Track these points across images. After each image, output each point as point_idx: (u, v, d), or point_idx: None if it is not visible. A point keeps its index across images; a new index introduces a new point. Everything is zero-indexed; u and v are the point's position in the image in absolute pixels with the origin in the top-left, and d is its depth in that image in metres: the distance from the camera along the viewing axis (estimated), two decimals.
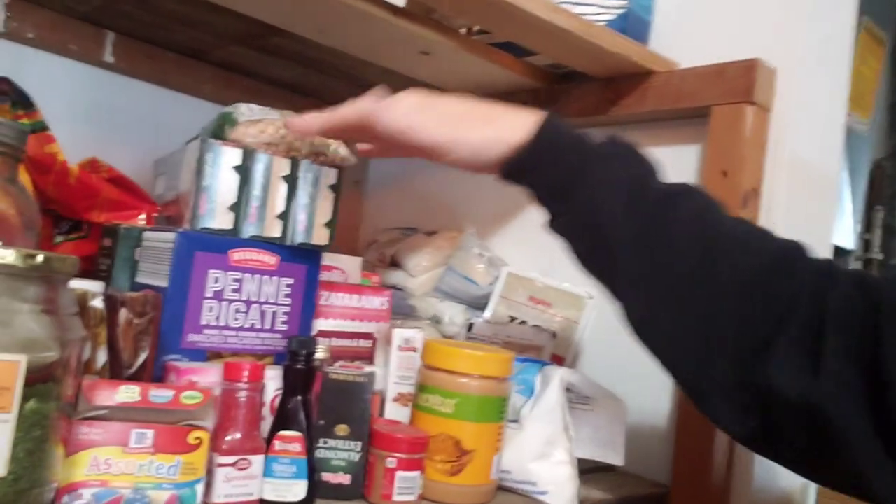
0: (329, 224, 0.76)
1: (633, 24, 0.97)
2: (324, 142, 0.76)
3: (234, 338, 0.71)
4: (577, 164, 0.62)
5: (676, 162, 0.98)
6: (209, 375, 0.64)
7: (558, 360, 1.01)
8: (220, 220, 0.70)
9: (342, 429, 0.68)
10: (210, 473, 0.58)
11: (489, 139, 0.64)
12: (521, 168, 0.64)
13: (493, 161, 0.64)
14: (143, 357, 0.65)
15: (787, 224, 0.90)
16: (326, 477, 0.67)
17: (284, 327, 0.74)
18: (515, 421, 0.79)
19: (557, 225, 0.64)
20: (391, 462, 0.67)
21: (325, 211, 0.76)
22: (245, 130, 0.72)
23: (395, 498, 0.67)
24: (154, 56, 1.17)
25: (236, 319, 0.71)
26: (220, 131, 0.74)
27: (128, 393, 0.55)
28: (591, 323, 1.02)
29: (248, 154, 0.72)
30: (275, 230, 0.73)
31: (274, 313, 0.73)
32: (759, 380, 0.53)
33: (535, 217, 0.63)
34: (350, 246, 1.41)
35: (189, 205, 0.71)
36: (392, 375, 0.79)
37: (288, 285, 0.74)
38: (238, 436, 0.60)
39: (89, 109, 1.14)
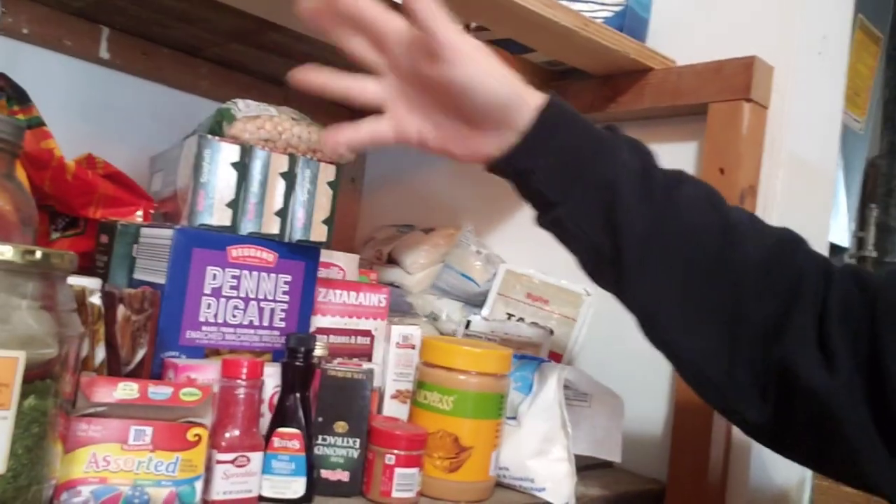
0: (327, 221, 0.76)
1: (631, 21, 0.97)
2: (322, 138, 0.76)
3: (232, 335, 0.70)
4: (585, 149, 0.59)
5: (674, 159, 0.97)
6: (207, 372, 0.63)
7: (556, 357, 1.01)
8: (218, 216, 0.70)
9: (341, 426, 0.68)
10: (209, 470, 0.58)
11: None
12: (524, 151, 0.59)
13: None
14: (141, 354, 0.65)
15: (784, 221, 0.89)
16: (325, 474, 0.67)
17: (283, 324, 0.73)
18: (514, 418, 0.79)
19: (555, 216, 0.60)
20: (390, 459, 0.67)
21: (323, 208, 0.75)
22: (243, 127, 0.72)
23: (394, 494, 0.67)
24: (149, 52, 1.16)
25: (234, 316, 0.70)
26: (217, 128, 0.73)
27: (126, 390, 0.54)
28: (589, 320, 1.02)
29: (247, 150, 0.71)
30: (273, 227, 0.73)
31: (272, 310, 0.73)
32: (776, 359, 0.54)
33: (532, 214, 0.63)
34: (347, 243, 1.41)
35: (187, 201, 0.71)
36: (390, 372, 0.80)
37: (286, 282, 0.74)
38: (237, 433, 0.60)
39: (84, 105, 1.14)
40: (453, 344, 0.75)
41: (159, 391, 0.55)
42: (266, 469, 0.62)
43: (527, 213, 0.64)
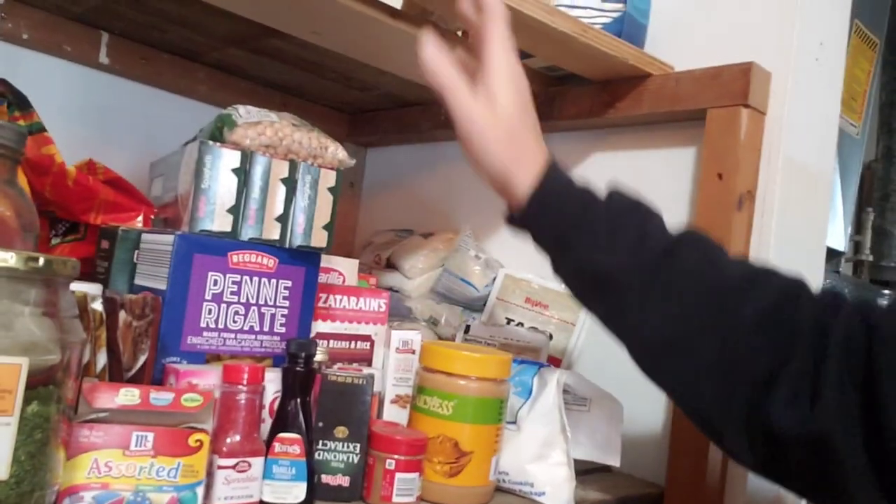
0: (328, 226, 0.76)
1: (630, 28, 0.97)
2: (322, 144, 0.76)
3: (232, 340, 0.71)
4: (580, 215, 0.63)
5: (672, 164, 0.99)
6: (208, 378, 0.64)
7: (555, 362, 1.01)
8: (218, 222, 0.70)
9: (341, 431, 0.68)
10: (210, 476, 0.58)
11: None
12: (523, 217, 0.66)
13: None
14: (142, 359, 0.65)
15: (782, 226, 0.91)
16: (326, 479, 0.67)
17: (283, 329, 0.74)
18: (513, 422, 0.80)
19: (562, 269, 0.66)
20: (390, 464, 0.67)
21: (323, 213, 0.76)
22: (244, 133, 0.72)
23: (395, 499, 0.67)
24: (149, 57, 1.17)
25: (235, 322, 0.71)
26: (218, 133, 0.73)
27: (128, 395, 0.54)
28: (588, 324, 1.03)
29: (247, 156, 0.72)
30: (273, 232, 0.73)
31: (273, 315, 0.73)
32: (762, 415, 0.54)
33: None
34: (346, 248, 1.41)
35: (187, 207, 0.71)
36: (390, 377, 0.80)
37: (287, 287, 0.74)
38: (238, 438, 0.61)
39: (83, 111, 1.14)
40: (453, 349, 0.75)
41: (161, 397, 0.56)
42: (267, 474, 0.62)
43: None
